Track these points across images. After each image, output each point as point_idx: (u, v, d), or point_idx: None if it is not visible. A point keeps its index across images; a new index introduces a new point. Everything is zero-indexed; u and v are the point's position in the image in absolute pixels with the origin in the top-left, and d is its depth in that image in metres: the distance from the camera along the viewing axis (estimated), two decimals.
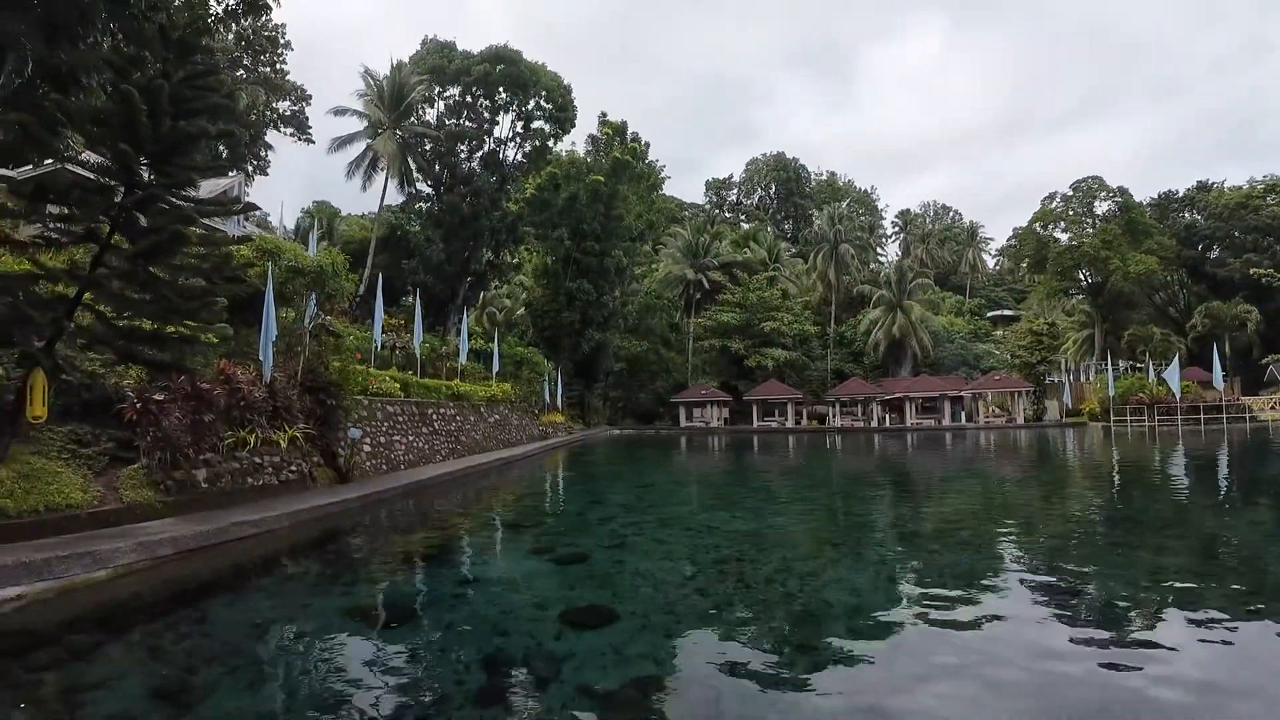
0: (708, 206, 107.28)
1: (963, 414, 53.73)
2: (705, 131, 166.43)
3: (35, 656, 5.37)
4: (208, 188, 19.80)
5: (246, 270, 12.32)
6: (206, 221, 14.19)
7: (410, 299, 35.20)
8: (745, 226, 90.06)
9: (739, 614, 6.60)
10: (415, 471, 17.36)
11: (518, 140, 46.83)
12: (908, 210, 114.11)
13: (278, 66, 48.00)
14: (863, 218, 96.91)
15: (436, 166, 45.57)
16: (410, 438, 18.91)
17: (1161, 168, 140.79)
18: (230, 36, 37.23)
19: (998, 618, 6.08)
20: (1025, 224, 72.50)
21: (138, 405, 9.69)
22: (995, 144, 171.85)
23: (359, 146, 43.71)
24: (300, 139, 52.26)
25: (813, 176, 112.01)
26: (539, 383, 39.97)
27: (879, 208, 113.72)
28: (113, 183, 9.01)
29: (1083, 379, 58.05)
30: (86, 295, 9.07)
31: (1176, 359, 46.79)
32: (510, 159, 46.86)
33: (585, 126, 75.16)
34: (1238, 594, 6.74)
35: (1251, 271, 59.00)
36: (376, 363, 21.22)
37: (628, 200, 51.73)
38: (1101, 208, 68.51)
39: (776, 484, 18.98)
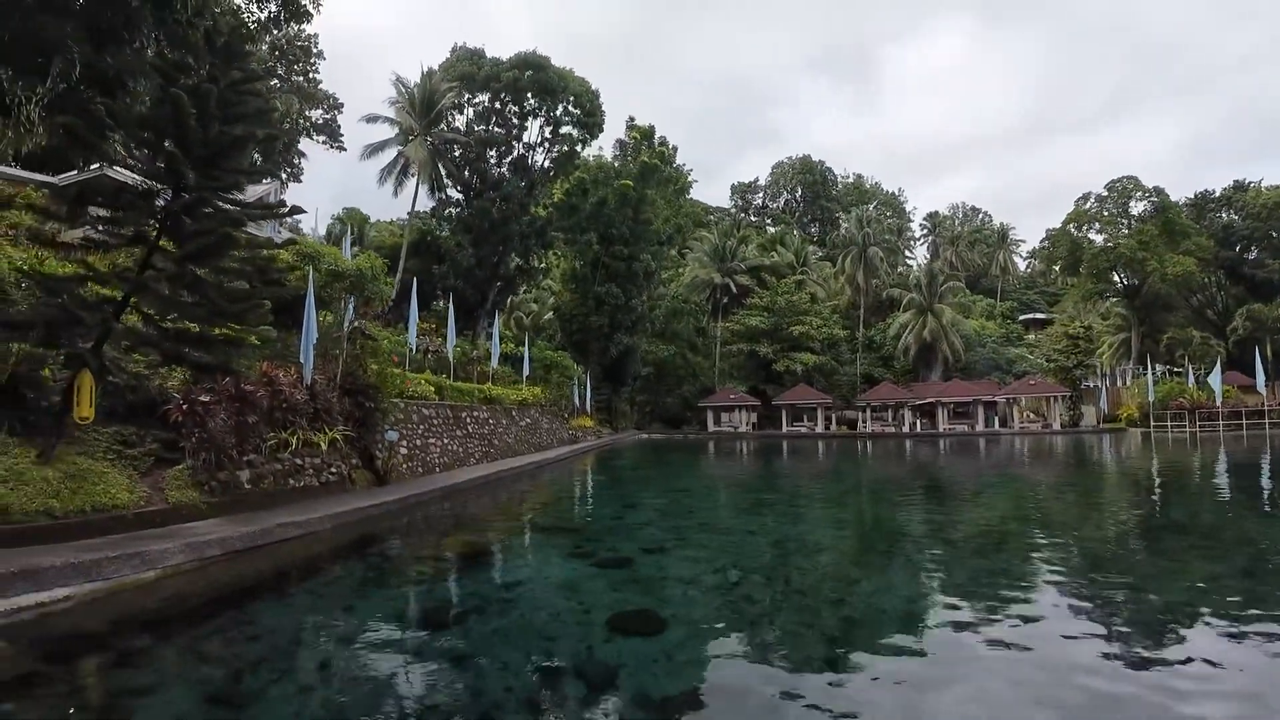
0: (733, 210, 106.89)
1: (996, 419, 52.82)
2: (727, 136, 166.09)
3: (84, 660, 5.37)
4: (246, 193, 20.01)
5: (288, 274, 12.40)
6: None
7: (441, 303, 35.41)
8: (771, 230, 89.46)
9: (789, 621, 6.45)
10: (450, 474, 17.37)
11: (546, 145, 46.99)
12: (936, 212, 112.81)
13: (311, 76, 48.83)
14: (890, 220, 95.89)
15: (466, 172, 45.87)
16: (445, 440, 18.95)
17: (1195, 167, 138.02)
18: (265, 46, 37.87)
19: (1057, 634, 5.84)
20: (1058, 225, 71.17)
21: (183, 406, 9.76)
22: (1024, 144, 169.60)
23: (390, 153, 44.20)
24: (332, 146, 53.09)
25: (839, 179, 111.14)
26: (568, 386, 39.99)
27: (907, 210, 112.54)
28: (160, 186, 9.09)
29: (1118, 383, 56.80)
30: (133, 298, 9.16)
31: (1219, 363, 45.59)
32: (539, 164, 47.01)
33: (611, 131, 75.40)
34: None
35: None
36: (410, 366, 21.33)
37: (656, 204, 51.68)
38: (1137, 208, 67.04)
39: (813, 489, 18.72)
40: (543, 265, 51.43)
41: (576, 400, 40.22)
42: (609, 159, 53.72)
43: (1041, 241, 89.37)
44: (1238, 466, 22.93)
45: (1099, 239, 67.17)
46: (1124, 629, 5.93)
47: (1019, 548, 10.00)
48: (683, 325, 63.31)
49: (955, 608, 6.59)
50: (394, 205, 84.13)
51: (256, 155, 35.42)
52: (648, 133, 53.68)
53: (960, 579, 8.01)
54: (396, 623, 6.46)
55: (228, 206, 9.59)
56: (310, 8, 14.16)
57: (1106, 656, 5.14)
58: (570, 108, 45.76)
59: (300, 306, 12.94)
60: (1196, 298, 65.73)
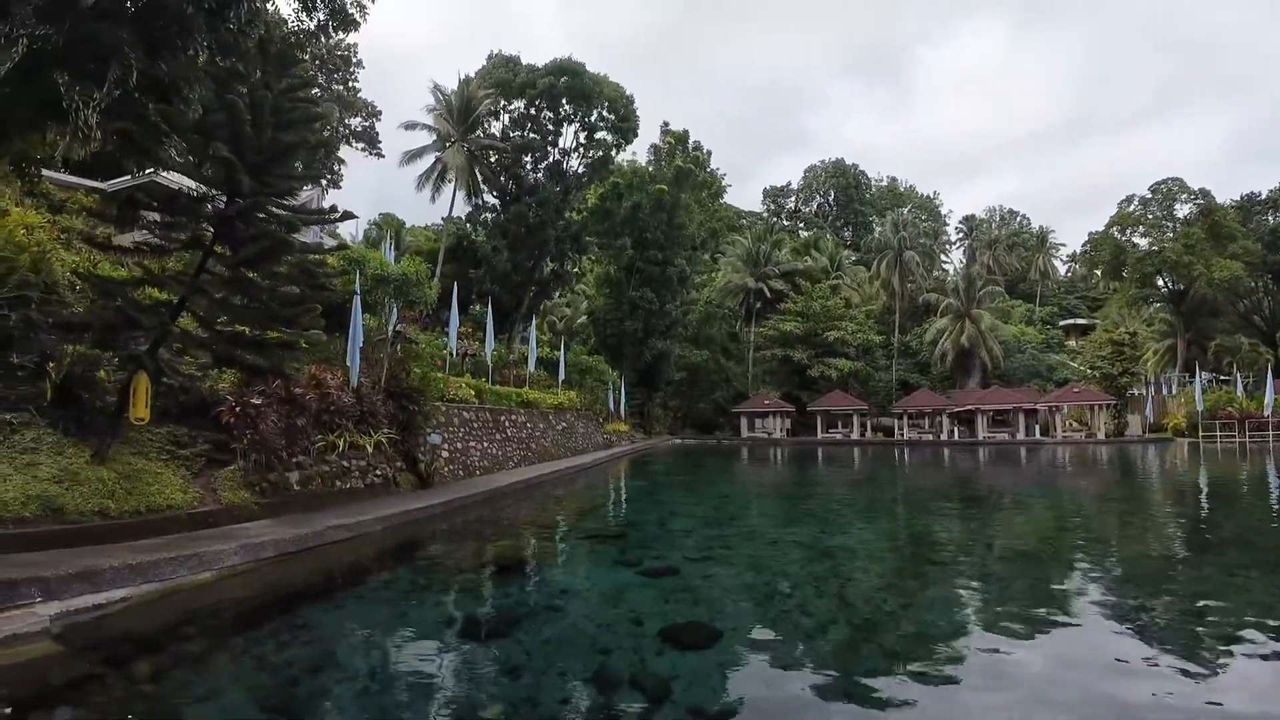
0: (766, 214, 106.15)
1: (1037, 428, 51.63)
2: (758, 140, 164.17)
3: (139, 665, 5.33)
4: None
5: (335, 279, 12.53)
6: None
7: (477, 307, 35.64)
8: (804, 234, 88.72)
9: (845, 634, 6.32)
10: (490, 478, 17.42)
11: (581, 151, 47.10)
12: (972, 215, 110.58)
13: (350, 85, 49.66)
14: (926, 224, 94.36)
15: (502, 178, 46.19)
16: (485, 444, 19.02)
17: (1240, 168, 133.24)
18: (306, 56, 38.54)
19: (1116, 659, 5.61)
20: (1100, 228, 69.38)
21: (235, 408, 9.88)
22: (1063, 146, 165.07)
23: (429, 159, 44.61)
24: (371, 153, 53.93)
25: (872, 183, 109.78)
26: (603, 391, 39.99)
27: (942, 213, 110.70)
28: (215, 191, 9.22)
29: (1163, 391, 55.25)
30: (188, 301, 9.29)
31: (1270, 371, 44.09)
32: (573, 169, 47.17)
33: (645, 136, 75.48)
34: None
35: None
36: (449, 370, 21.49)
37: (690, 209, 51.51)
38: (1182, 210, 65.01)
39: (855, 498, 18.40)
40: (577, 270, 51.55)
41: (610, 405, 40.20)
42: (643, 164, 53.73)
43: (1083, 245, 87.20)
44: None
45: (1143, 242, 65.31)
46: (1180, 652, 5.67)
47: (1080, 565, 9.69)
48: (715, 330, 62.98)
49: (1009, 628, 6.37)
50: (429, 211, 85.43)
51: (297, 163, 36.07)
52: (682, 137, 53.54)
53: (1019, 594, 7.75)
54: (449, 629, 6.44)
55: (281, 212, 9.70)
56: (357, 16, 14.32)
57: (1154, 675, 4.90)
58: (604, 113, 45.80)
59: (345, 310, 13.08)
60: (1243, 303, 63.58)
